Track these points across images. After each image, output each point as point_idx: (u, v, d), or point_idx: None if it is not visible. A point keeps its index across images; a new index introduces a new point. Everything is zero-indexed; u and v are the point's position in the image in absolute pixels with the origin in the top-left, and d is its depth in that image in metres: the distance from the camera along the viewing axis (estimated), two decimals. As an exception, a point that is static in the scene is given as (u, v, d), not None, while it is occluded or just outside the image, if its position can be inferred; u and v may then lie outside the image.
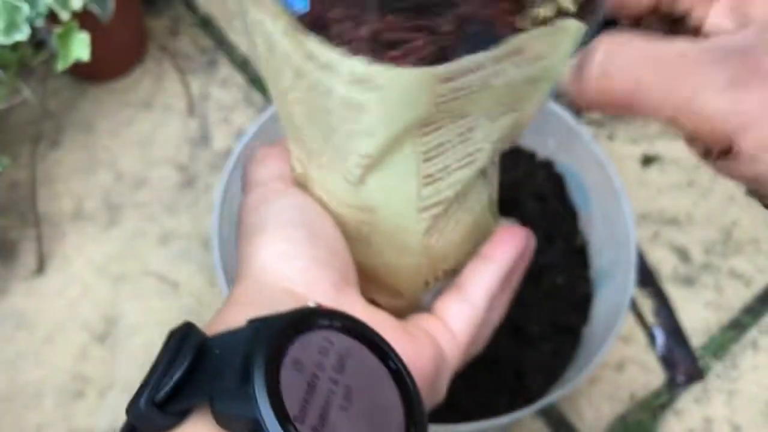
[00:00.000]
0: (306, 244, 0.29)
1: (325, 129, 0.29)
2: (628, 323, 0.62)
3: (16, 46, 0.52)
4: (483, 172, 0.33)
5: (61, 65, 0.53)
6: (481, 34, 0.26)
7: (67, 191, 0.68)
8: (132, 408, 0.24)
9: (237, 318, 0.25)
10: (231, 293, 0.29)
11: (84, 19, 0.53)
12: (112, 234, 0.66)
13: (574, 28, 0.27)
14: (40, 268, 0.64)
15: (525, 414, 0.48)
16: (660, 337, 0.62)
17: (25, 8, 0.49)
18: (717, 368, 0.61)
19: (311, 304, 0.26)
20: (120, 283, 0.64)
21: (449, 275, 0.36)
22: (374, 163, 0.29)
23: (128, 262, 0.65)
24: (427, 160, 0.30)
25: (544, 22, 0.26)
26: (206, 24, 0.76)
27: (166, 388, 0.23)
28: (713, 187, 0.68)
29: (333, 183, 0.31)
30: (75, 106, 0.72)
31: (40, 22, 0.51)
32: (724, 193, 0.68)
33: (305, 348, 0.23)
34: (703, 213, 0.67)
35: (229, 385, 0.22)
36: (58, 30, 0.52)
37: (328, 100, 0.27)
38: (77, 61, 0.53)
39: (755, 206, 0.68)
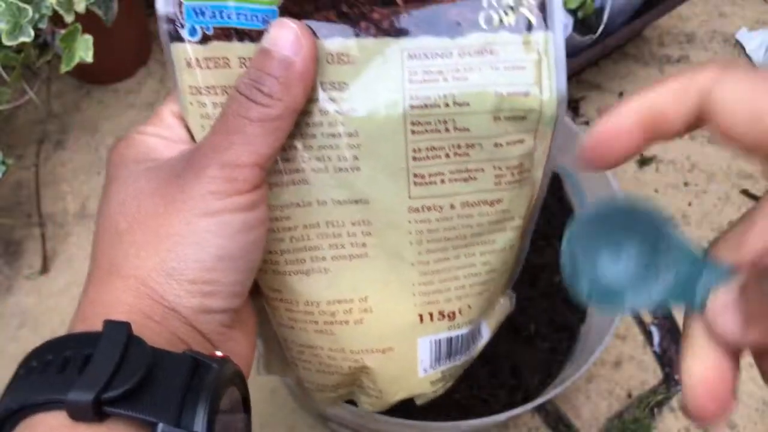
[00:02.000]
0: (194, 265, 0.28)
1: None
2: (625, 321, 0.63)
3: (20, 48, 0.52)
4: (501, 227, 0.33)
5: (65, 67, 0.53)
6: (429, 11, 0.29)
7: (71, 191, 0.68)
8: (61, 391, 0.24)
9: (127, 318, 0.26)
10: (104, 279, 0.29)
11: (88, 21, 0.54)
12: (115, 234, 0.67)
13: (542, 41, 0.29)
14: (45, 267, 0.64)
15: (523, 411, 0.49)
16: (656, 335, 0.63)
17: (30, 10, 0.50)
18: (713, 366, 0.61)
19: (219, 353, 0.28)
20: (123, 282, 0.64)
21: (448, 323, 0.35)
22: (362, 142, 0.30)
23: (131, 261, 0.65)
24: (417, 159, 0.30)
25: None
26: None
27: (115, 392, 0.24)
28: (708, 188, 0.69)
29: (322, 180, 0.31)
30: (79, 107, 0.73)
31: (44, 25, 0.52)
32: (719, 194, 0.69)
33: (224, 402, 0.27)
34: (699, 213, 0.68)
35: (172, 416, 0.25)
36: (62, 32, 0.52)
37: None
38: (81, 62, 0.53)
39: (750, 206, 0.68)
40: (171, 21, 0.29)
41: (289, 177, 0.31)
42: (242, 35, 0.29)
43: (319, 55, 0.29)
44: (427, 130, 0.30)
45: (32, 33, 0.51)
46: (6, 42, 0.50)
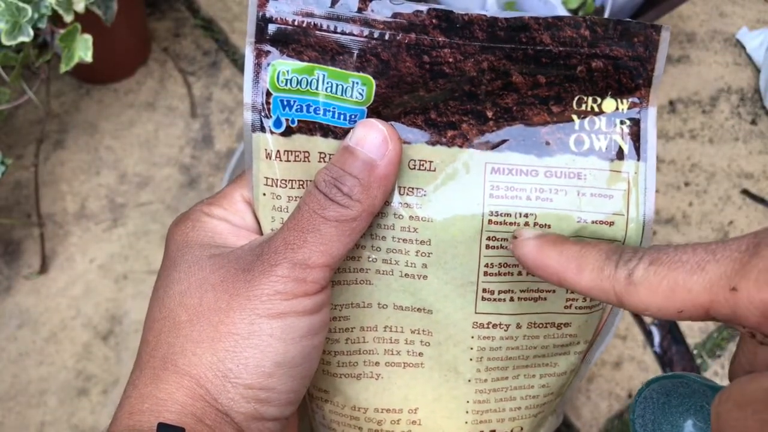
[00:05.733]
0: (253, 369, 0.27)
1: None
2: (626, 322, 0.63)
3: (19, 48, 0.52)
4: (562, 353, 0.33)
5: (64, 67, 0.53)
6: (519, 125, 0.29)
7: (70, 191, 0.68)
8: None
9: (179, 420, 0.26)
10: (158, 373, 0.28)
11: (87, 21, 0.54)
12: (115, 234, 0.67)
13: (633, 170, 0.29)
14: (44, 267, 0.64)
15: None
16: (657, 335, 0.63)
17: (29, 10, 0.50)
18: (713, 366, 0.61)
19: None
20: (123, 282, 0.64)
21: None
22: (433, 251, 0.29)
23: (131, 261, 0.65)
24: (488, 274, 0.30)
25: (586, 113, 0.29)
26: (208, 26, 0.77)
27: None
28: (709, 188, 0.69)
29: (387, 283, 0.30)
30: (78, 107, 0.72)
31: (43, 24, 0.52)
32: (720, 194, 0.68)
33: None
34: (699, 213, 0.68)
35: None
36: (61, 32, 0.52)
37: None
38: (81, 62, 0.53)
39: (750, 206, 0.68)
40: (257, 111, 0.29)
41: (353, 276, 0.31)
42: (326, 131, 0.29)
43: (401, 159, 0.28)
44: (502, 246, 0.29)
45: (31, 33, 0.50)
46: (5, 42, 0.50)
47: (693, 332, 0.63)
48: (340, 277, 0.30)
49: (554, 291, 0.30)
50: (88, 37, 0.53)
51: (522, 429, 0.34)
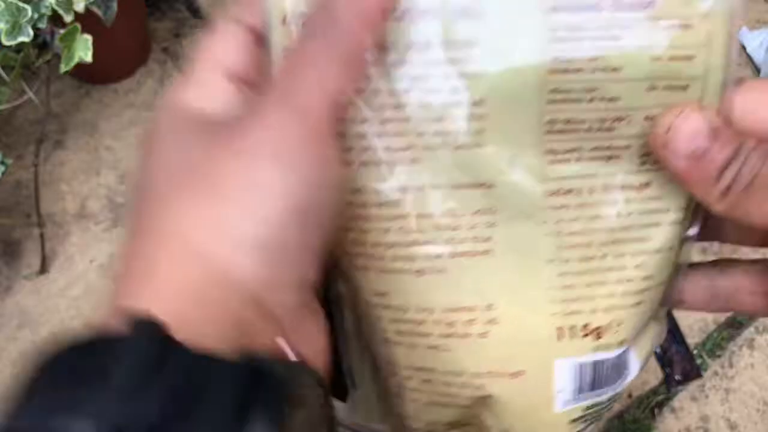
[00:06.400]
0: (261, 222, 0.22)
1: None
2: (626, 322, 0.63)
3: (19, 48, 0.52)
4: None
5: (64, 67, 0.53)
6: None
7: (70, 191, 0.68)
8: (64, 419, 0.17)
9: (169, 307, 0.21)
10: (142, 252, 0.22)
11: (87, 21, 0.54)
12: (115, 233, 0.66)
13: None
14: (44, 267, 0.64)
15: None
16: (657, 335, 0.63)
17: (29, 10, 0.50)
18: (714, 366, 0.61)
19: (294, 357, 0.22)
20: (123, 282, 0.64)
21: (593, 342, 0.28)
22: (489, 112, 0.25)
23: (131, 261, 0.65)
24: (551, 132, 0.26)
25: None
26: (209, 26, 0.77)
27: (146, 422, 0.17)
28: (710, 187, 0.69)
29: (438, 159, 0.26)
30: (78, 107, 0.72)
31: (43, 24, 0.52)
32: (721, 193, 0.69)
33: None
34: (700, 213, 0.68)
35: None
36: (61, 32, 0.52)
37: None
38: (80, 62, 0.53)
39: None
40: None
41: (399, 155, 0.26)
42: None
43: (439, 7, 0.24)
44: (567, 99, 0.25)
45: (31, 33, 0.50)
46: (5, 42, 0.50)
47: (693, 332, 0.63)
48: (386, 156, 0.26)
49: (629, 147, 0.26)
50: (88, 37, 0.53)
51: (620, 324, 0.28)
